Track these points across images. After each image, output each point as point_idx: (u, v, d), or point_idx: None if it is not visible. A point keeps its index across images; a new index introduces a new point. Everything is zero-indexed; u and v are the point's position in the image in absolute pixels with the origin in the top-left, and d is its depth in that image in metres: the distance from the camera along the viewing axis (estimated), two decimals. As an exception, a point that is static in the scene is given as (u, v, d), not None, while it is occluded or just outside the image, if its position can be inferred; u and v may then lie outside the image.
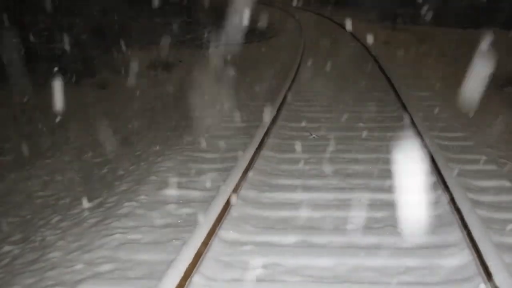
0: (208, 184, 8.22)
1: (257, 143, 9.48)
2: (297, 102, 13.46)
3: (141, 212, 7.36)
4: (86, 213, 7.65)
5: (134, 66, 18.49)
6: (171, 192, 8.00)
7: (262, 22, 28.43)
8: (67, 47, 16.99)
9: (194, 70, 18.76)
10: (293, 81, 15.39)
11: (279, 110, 11.95)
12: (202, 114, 12.44)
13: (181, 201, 7.68)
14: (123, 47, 19.96)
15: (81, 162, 10.63)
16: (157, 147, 10.37)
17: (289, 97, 13.54)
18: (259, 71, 18.26)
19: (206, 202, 7.39)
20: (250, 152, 8.94)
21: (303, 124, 11.43)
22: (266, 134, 10.16)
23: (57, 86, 15.46)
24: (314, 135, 10.46)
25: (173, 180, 8.41)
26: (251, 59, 21.00)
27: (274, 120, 11.10)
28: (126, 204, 7.59)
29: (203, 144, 10.19)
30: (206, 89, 15.50)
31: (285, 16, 39.22)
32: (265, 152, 9.56)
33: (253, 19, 27.92)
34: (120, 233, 6.77)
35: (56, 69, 16.26)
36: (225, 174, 8.31)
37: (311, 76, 16.74)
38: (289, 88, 14.33)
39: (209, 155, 9.61)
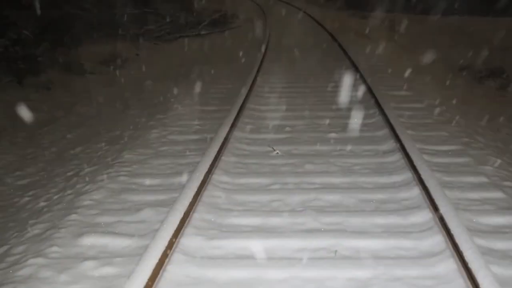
0: (141, 228, 6.20)
1: (211, 160, 7.52)
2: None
3: (47, 274, 5.33)
4: (-21, 274, 5.61)
5: (85, 63, 16.46)
6: (92, 240, 5.95)
7: (225, 11, 26.42)
8: (7, 44, 14.77)
9: (150, 65, 16.73)
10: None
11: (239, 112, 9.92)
12: (150, 122, 10.40)
13: (102, 255, 5.64)
14: (75, 42, 17.80)
15: (4, 185, 8.62)
16: (90, 168, 8.30)
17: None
18: (221, 64, 16.19)
19: (136, 257, 5.38)
20: (200, 175, 6.95)
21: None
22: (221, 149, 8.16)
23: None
24: (277, 151, 8.45)
25: (98, 220, 6.41)
26: (212, 51, 18.89)
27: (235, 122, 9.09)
28: (31, 261, 5.57)
29: (144, 165, 8.15)
30: (159, 88, 13.49)
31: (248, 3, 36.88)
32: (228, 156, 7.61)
33: (216, 8, 26.07)
34: (10, 314, 4.74)
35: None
36: (166, 210, 6.31)
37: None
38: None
39: (148, 181, 7.55)
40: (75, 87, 14.53)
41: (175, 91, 12.81)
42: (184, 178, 7.34)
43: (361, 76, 12.86)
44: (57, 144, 10.27)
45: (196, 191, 6.60)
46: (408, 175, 7.38)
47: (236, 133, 9.22)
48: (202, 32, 22.86)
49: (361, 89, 11.85)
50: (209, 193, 6.95)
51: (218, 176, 7.47)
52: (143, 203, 6.80)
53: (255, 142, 9.08)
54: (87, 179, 7.78)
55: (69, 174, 8.40)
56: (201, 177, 6.96)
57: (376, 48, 17.60)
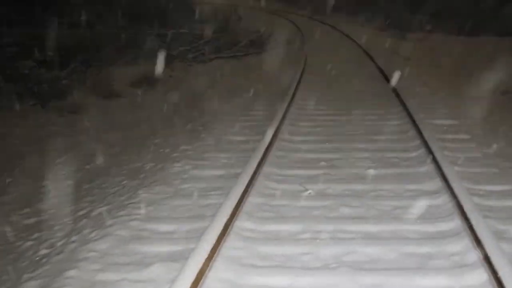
0: (148, 288, 5.25)
1: (235, 203, 6.58)
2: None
3: None
4: None
5: (115, 85, 15.63)
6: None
7: (262, 32, 25.50)
8: (33, 65, 13.99)
9: (183, 88, 15.83)
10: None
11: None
12: (173, 153, 9.47)
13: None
14: (105, 63, 16.99)
15: (9, 224, 7.77)
16: (102, 208, 7.38)
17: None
18: (255, 88, 15.21)
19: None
20: (217, 230, 5.95)
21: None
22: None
23: (17, 112, 12.72)
24: (310, 191, 7.42)
25: (99, 278, 5.46)
26: (247, 74, 17.91)
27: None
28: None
29: (160, 206, 7.18)
30: (189, 114, 12.59)
31: (282, 21, 35.78)
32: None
33: (254, 29, 25.21)
34: None
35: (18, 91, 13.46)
36: (179, 266, 5.36)
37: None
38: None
39: (162, 227, 6.58)
40: (102, 111, 13.71)
41: (205, 117, 11.92)
42: (204, 223, 6.37)
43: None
44: (74, 176, 9.41)
45: (215, 243, 5.62)
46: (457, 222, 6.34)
47: (266, 169, 8.22)
48: (238, 54, 21.91)
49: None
50: (230, 244, 5.96)
51: (241, 223, 6.47)
52: (154, 256, 5.83)
53: (287, 179, 8.06)
54: (96, 222, 6.86)
55: (79, 213, 7.51)
56: (222, 225, 5.99)
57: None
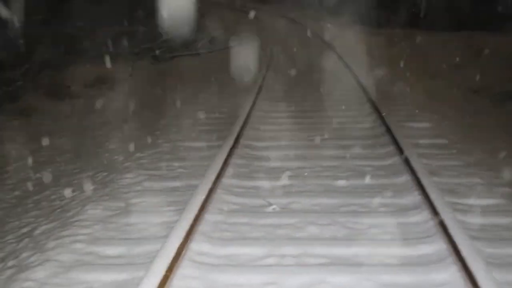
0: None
1: (190, 222, 5.90)
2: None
3: None
4: None
5: (73, 85, 14.82)
6: None
7: (224, 29, 24.84)
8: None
9: (142, 89, 15.08)
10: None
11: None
12: (125, 162, 8.74)
13: None
14: (63, 63, 16.12)
15: None
16: (47, 225, 6.63)
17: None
18: (218, 85, 14.59)
19: None
20: (168, 255, 5.22)
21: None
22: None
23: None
24: (274, 206, 6.73)
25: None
26: (209, 71, 17.24)
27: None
28: None
29: (107, 225, 6.44)
30: (146, 117, 11.86)
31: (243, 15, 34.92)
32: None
33: (217, 27, 24.56)
34: None
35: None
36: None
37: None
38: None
39: (108, 250, 5.83)
40: (56, 114, 12.90)
41: (163, 121, 11.19)
42: (155, 246, 5.66)
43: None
44: (22, 187, 8.64)
45: (165, 272, 4.91)
46: (441, 245, 5.64)
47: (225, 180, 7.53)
48: (201, 51, 21.25)
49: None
50: (183, 271, 5.23)
51: (196, 245, 5.75)
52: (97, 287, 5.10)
53: (248, 192, 7.37)
54: (38, 243, 6.10)
55: (23, 230, 6.75)
56: (174, 250, 5.28)
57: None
